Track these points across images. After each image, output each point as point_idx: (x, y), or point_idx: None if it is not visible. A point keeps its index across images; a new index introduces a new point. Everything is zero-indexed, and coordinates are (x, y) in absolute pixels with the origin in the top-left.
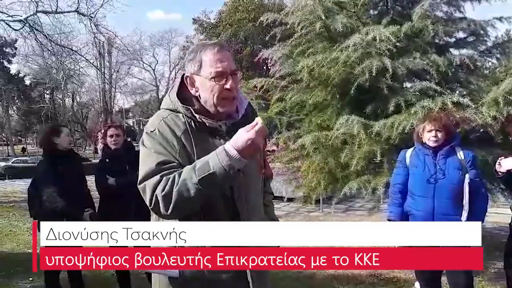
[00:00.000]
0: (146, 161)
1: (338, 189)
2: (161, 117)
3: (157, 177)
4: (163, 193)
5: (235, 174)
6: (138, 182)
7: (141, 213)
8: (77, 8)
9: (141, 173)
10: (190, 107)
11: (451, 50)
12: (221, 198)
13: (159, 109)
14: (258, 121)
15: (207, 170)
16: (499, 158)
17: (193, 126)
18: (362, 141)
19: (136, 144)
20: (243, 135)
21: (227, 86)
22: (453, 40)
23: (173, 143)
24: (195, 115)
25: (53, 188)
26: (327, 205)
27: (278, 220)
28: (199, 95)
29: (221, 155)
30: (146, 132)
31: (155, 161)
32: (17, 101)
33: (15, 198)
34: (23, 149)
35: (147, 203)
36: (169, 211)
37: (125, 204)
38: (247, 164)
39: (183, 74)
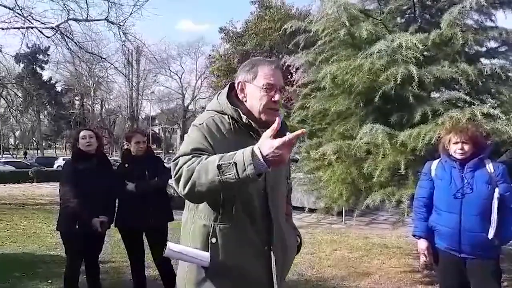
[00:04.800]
0: (186, 145)
1: (360, 201)
2: (210, 115)
3: (190, 156)
4: (188, 167)
5: (254, 178)
6: (173, 159)
7: (160, 219)
8: (107, 16)
9: (179, 152)
10: (238, 109)
11: (482, 59)
12: (256, 192)
13: (185, 117)
14: (289, 135)
15: (230, 158)
16: None
17: (237, 127)
18: (386, 151)
19: (160, 151)
20: (268, 141)
21: (275, 98)
22: (483, 49)
23: (217, 137)
24: (242, 116)
25: (68, 188)
26: (349, 217)
27: (297, 229)
28: (246, 101)
29: (246, 152)
30: (194, 125)
31: (193, 147)
32: (48, 106)
33: (41, 201)
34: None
35: (173, 174)
36: (186, 188)
37: (144, 209)
38: (274, 174)
39: (232, 82)
